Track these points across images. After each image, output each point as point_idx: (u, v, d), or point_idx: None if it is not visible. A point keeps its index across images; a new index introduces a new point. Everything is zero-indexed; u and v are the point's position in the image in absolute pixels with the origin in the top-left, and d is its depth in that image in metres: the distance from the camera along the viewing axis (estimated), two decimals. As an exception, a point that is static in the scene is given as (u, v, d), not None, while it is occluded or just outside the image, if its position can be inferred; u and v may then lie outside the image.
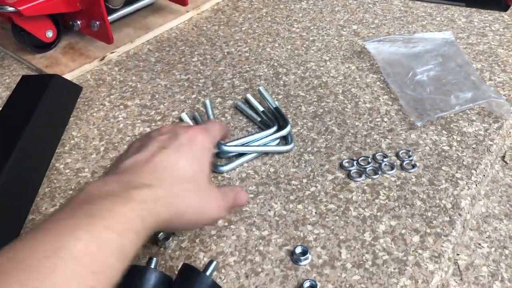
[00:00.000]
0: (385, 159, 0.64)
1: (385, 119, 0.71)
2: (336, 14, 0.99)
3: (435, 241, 0.54)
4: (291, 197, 0.60)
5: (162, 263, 0.53)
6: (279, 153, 0.67)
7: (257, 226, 0.57)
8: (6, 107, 0.65)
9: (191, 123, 0.70)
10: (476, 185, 0.62)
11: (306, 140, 0.68)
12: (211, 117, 0.68)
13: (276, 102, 0.73)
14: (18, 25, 0.80)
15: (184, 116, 0.71)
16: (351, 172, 0.63)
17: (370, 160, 0.64)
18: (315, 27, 0.95)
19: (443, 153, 0.65)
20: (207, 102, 0.71)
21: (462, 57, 0.80)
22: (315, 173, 0.63)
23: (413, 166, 0.63)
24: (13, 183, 0.56)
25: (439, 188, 0.60)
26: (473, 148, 0.66)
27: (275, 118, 0.70)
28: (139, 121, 0.73)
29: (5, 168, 0.56)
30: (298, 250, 0.53)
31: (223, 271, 0.52)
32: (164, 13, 0.97)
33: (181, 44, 0.91)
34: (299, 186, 0.62)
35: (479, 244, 0.59)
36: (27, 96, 0.65)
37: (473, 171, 0.63)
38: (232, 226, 0.57)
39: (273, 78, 0.81)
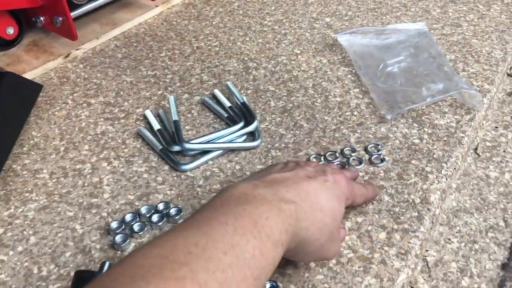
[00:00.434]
0: (353, 154, 0.62)
1: (355, 113, 0.70)
2: (309, 6, 0.96)
3: (402, 238, 0.52)
4: (256, 195, 0.58)
5: (119, 266, 0.51)
6: (245, 149, 0.65)
7: (219, 226, 0.55)
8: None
9: (155, 120, 0.67)
10: (447, 179, 0.60)
11: (274, 136, 0.66)
12: (175, 115, 0.66)
13: (244, 97, 0.71)
14: (-24, 22, 0.77)
15: (148, 113, 0.69)
16: (319, 167, 0.61)
17: (337, 155, 0.62)
18: (288, 20, 0.93)
19: (413, 146, 0.64)
20: (171, 98, 0.69)
21: (435, 48, 0.78)
22: (282, 169, 0.61)
23: (382, 160, 0.61)
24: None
25: (408, 182, 0.59)
26: (444, 140, 0.64)
27: (242, 114, 0.68)
28: (102, 119, 0.71)
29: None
30: (260, 250, 0.51)
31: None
32: (133, 8, 0.95)
33: (149, 40, 0.89)
34: (264, 184, 0.59)
35: (449, 239, 0.57)
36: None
37: (444, 164, 0.61)
38: (194, 227, 0.55)
39: (243, 73, 0.79)
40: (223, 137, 0.65)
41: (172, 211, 0.55)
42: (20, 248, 0.54)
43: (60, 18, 0.79)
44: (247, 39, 0.88)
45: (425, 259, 0.55)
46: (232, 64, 0.81)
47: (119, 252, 0.52)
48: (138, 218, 0.55)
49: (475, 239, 0.57)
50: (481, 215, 0.60)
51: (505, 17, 0.89)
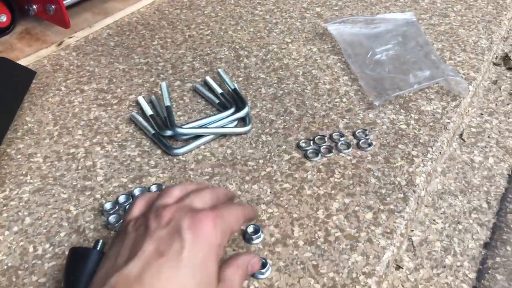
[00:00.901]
0: (341, 138, 0.64)
1: (344, 100, 0.71)
2: (300, -4, 0.98)
3: (388, 218, 0.54)
4: (247, 178, 0.59)
5: (112, 246, 0.52)
6: (236, 134, 0.66)
7: (210, 207, 0.56)
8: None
9: (148, 106, 0.69)
10: (432, 162, 0.62)
11: (265, 122, 0.68)
12: (167, 100, 0.67)
13: (235, 84, 0.72)
14: (-31, 9, 0.77)
15: (141, 99, 0.70)
16: (308, 152, 0.62)
17: (326, 140, 0.64)
18: (279, 9, 0.94)
19: (400, 131, 0.65)
20: (163, 84, 0.70)
21: (423, 37, 0.80)
22: (272, 153, 0.63)
23: (369, 144, 0.63)
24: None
25: (394, 165, 0.60)
26: (430, 126, 0.66)
27: (233, 100, 0.70)
28: (95, 105, 0.72)
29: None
30: (250, 229, 0.52)
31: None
32: (126, -3, 0.96)
33: (141, 28, 0.90)
34: (255, 167, 0.61)
35: (434, 220, 0.59)
36: (-27, 80, 0.64)
37: (429, 149, 0.63)
38: (186, 208, 0.56)
39: (234, 61, 0.80)
40: (215, 122, 0.66)
41: (165, 192, 0.56)
42: (15, 228, 0.55)
43: (53, 6, 0.80)
44: (239, 28, 0.89)
45: (410, 238, 0.57)
46: (224, 52, 0.82)
47: (112, 232, 0.53)
48: (131, 200, 0.56)
49: (459, 220, 0.59)
50: (465, 197, 0.62)
51: (491, 8, 0.91)
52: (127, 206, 0.55)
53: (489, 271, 0.54)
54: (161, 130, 0.64)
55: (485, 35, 0.84)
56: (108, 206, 0.55)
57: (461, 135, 0.71)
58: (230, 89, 0.71)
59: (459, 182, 0.64)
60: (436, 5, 0.93)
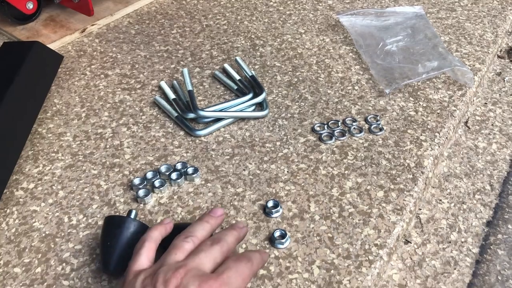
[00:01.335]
0: (354, 123, 0.68)
1: (356, 88, 0.75)
2: (312, -11, 1.01)
3: (398, 196, 0.58)
4: (265, 158, 0.63)
5: (142, 217, 0.56)
6: (254, 118, 0.70)
7: (232, 184, 0.60)
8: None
9: (170, 91, 0.72)
10: (439, 147, 0.66)
11: (281, 107, 0.72)
12: (189, 85, 0.71)
13: (253, 71, 0.76)
14: (-2, -4, 0.81)
15: (163, 84, 0.74)
16: (322, 135, 0.66)
17: (339, 124, 0.68)
18: (292, 1, 0.97)
19: (409, 117, 0.69)
20: (185, 70, 0.74)
21: (431, 30, 0.83)
22: (288, 136, 0.67)
23: (380, 129, 0.67)
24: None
25: (404, 149, 0.64)
26: (438, 113, 0.70)
27: (251, 86, 0.73)
28: (119, 89, 0.76)
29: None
30: (270, 204, 0.56)
31: (199, 223, 0.55)
32: (144, -13, 0.99)
33: (160, 17, 0.93)
34: (272, 149, 0.65)
35: (440, 200, 0.63)
36: (9, 62, 0.67)
37: (437, 134, 0.66)
38: (209, 184, 0.60)
39: (250, 50, 0.84)
40: (233, 106, 0.70)
41: (189, 170, 0.60)
42: (50, 201, 0.59)
43: (78, -6, 0.83)
44: (254, 18, 0.93)
45: (418, 216, 0.61)
46: (240, 41, 0.86)
47: (141, 205, 0.57)
48: (158, 176, 0.60)
49: (464, 200, 0.63)
50: (470, 180, 0.66)
51: (497, 3, 0.94)
52: (154, 182, 0.59)
53: (491, 247, 0.58)
54: (184, 113, 0.68)
55: (490, 29, 0.87)
56: (137, 181, 0.59)
57: (466, 122, 0.75)
58: (248, 76, 0.75)
59: (464, 166, 0.68)
60: (444, -1, 0.96)
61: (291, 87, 0.75)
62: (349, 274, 0.50)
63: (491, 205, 0.62)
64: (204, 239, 0.46)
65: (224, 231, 0.47)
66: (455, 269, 0.55)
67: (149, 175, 0.60)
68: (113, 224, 0.50)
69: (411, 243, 0.58)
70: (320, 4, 0.96)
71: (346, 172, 0.61)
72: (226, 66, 0.78)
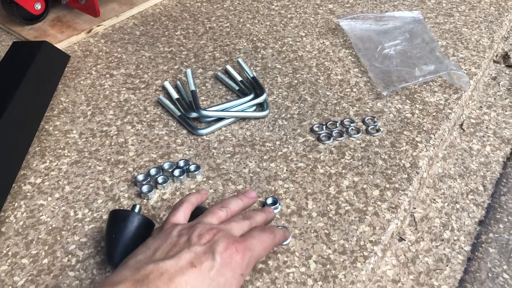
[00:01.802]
0: (352, 124, 0.70)
1: (354, 90, 0.77)
2: (313, -7, 1.03)
3: (393, 195, 0.60)
4: (265, 157, 0.65)
5: (145, 212, 0.58)
6: (255, 118, 0.72)
7: (233, 181, 0.62)
8: (-2, 71, 0.70)
9: (173, 91, 0.74)
10: (434, 148, 0.68)
11: (281, 108, 0.74)
12: (192, 85, 0.73)
13: (254, 73, 0.78)
14: (7, -4, 0.83)
15: (167, 84, 0.76)
16: (321, 135, 0.68)
17: (338, 125, 0.70)
18: (293, 5, 1.00)
19: (405, 119, 0.71)
20: (189, 71, 0.76)
21: (428, 34, 0.85)
22: (288, 136, 0.69)
23: (377, 130, 0.69)
24: (5, 142, 0.60)
25: (399, 149, 0.66)
26: (433, 115, 0.72)
27: (252, 87, 0.75)
28: (124, 88, 0.78)
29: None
30: (269, 200, 0.58)
31: (200, 219, 0.57)
32: (149, -11, 1.01)
33: (165, 19, 0.96)
34: (272, 148, 0.67)
35: (434, 199, 0.65)
36: (18, 61, 0.69)
37: (432, 136, 0.68)
38: (210, 181, 0.62)
39: (252, 52, 0.86)
40: (235, 106, 0.72)
41: (192, 167, 0.63)
42: (57, 195, 0.61)
43: (84, -4, 0.86)
44: (256, 21, 0.95)
45: (413, 215, 0.63)
46: (242, 43, 0.88)
47: (145, 200, 0.59)
48: (161, 172, 0.62)
49: (457, 200, 0.65)
50: (463, 181, 0.68)
51: (493, 9, 0.96)
52: (158, 178, 0.61)
53: (482, 245, 0.60)
54: (187, 112, 0.70)
55: (486, 34, 0.89)
56: (140, 177, 0.61)
57: (461, 125, 0.77)
58: (249, 77, 0.77)
59: (458, 167, 0.70)
60: (442, 5, 0.98)
61: (291, 89, 0.77)
62: (345, 269, 0.52)
63: (484, 205, 0.64)
64: (236, 213, 0.52)
65: (255, 211, 0.53)
66: (447, 266, 0.57)
67: (153, 171, 0.62)
68: (118, 217, 0.52)
69: (405, 240, 0.60)
70: (321, 8, 0.98)
71: (343, 171, 0.63)
72: (228, 67, 0.80)
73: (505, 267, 0.57)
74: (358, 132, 0.68)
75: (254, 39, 0.89)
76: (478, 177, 0.68)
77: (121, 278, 0.41)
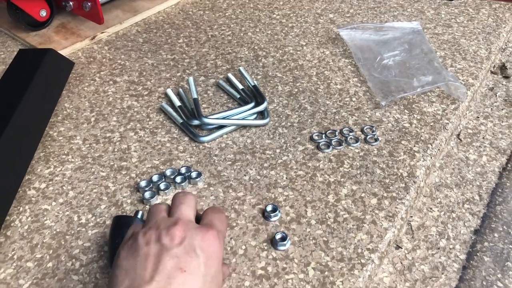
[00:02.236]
0: (350, 133, 0.71)
1: (354, 99, 0.78)
2: (314, 3, 1.05)
3: (391, 204, 0.61)
4: (265, 165, 0.67)
5: (147, 218, 0.59)
6: (256, 126, 0.73)
7: (233, 188, 0.63)
8: (5, 77, 0.71)
9: (176, 98, 0.76)
10: (431, 158, 0.69)
11: (281, 116, 0.75)
12: (194, 93, 0.74)
13: (255, 81, 0.80)
14: (13, 3, 0.85)
15: (169, 91, 0.77)
16: (320, 144, 0.69)
17: (337, 134, 0.71)
18: (294, 14, 1.01)
19: (403, 129, 0.72)
20: (191, 79, 0.77)
21: (427, 45, 0.87)
22: (288, 144, 0.70)
23: (376, 140, 0.70)
24: (11, 148, 0.62)
25: (397, 159, 0.67)
26: (431, 125, 0.73)
27: (253, 95, 0.77)
28: (127, 95, 0.79)
29: (4, 134, 0.61)
30: (269, 208, 0.60)
31: (201, 225, 0.58)
32: (152, -3, 1.03)
33: (167, 27, 0.97)
34: (272, 155, 0.68)
35: (431, 208, 0.66)
36: (24, 68, 0.71)
37: (429, 145, 0.70)
38: (211, 188, 0.63)
39: (253, 60, 0.87)
40: (236, 114, 0.74)
41: (193, 174, 0.64)
42: (61, 200, 0.62)
43: (89, 3, 0.87)
44: (257, 30, 0.96)
45: (409, 223, 0.64)
46: (244, 52, 0.90)
47: (147, 206, 0.61)
48: (163, 179, 0.63)
49: (453, 209, 0.66)
50: (460, 190, 0.69)
51: (491, 21, 0.98)
52: (160, 185, 0.62)
53: (477, 254, 0.61)
54: (189, 120, 0.72)
55: (484, 46, 0.91)
56: (143, 183, 0.63)
57: (458, 135, 0.78)
58: (250, 86, 0.78)
59: (454, 177, 0.71)
60: (441, 16, 1.00)
61: (292, 97, 0.79)
62: (342, 276, 0.53)
63: (479, 214, 0.66)
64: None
65: (177, 194, 0.50)
66: (443, 273, 0.58)
67: (155, 178, 0.64)
68: (121, 223, 0.53)
69: (401, 248, 0.61)
70: (322, 18, 1.00)
71: (342, 179, 0.64)
72: (230, 75, 0.81)
73: (499, 275, 0.58)
74: (357, 141, 0.70)
75: (256, 47, 0.91)
76: (474, 187, 0.69)
77: None
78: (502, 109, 0.83)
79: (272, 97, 0.79)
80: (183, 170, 0.65)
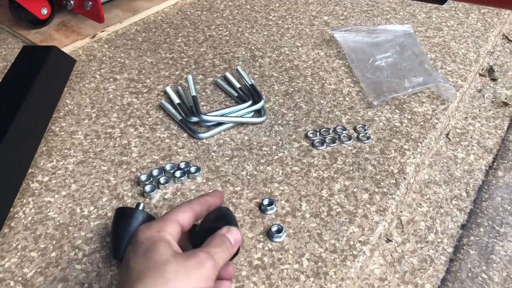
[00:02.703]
0: (344, 132, 0.74)
1: (347, 99, 0.81)
2: (309, 5, 1.08)
3: (382, 198, 0.64)
4: (262, 161, 0.69)
5: (148, 210, 0.61)
6: (253, 124, 0.75)
7: (231, 183, 0.66)
8: (9, 73, 0.72)
9: (175, 96, 0.78)
10: (421, 156, 0.72)
11: (277, 114, 0.77)
12: (193, 91, 0.77)
13: (252, 80, 0.82)
14: (15, 1, 0.86)
15: (169, 89, 0.80)
16: (315, 141, 0.72)
17: (331, 132, 0.74)
18: (290, 16, 1.04)
19: (394, 128, 0.75)
20: (190, 77, 0.79)
21: (418, 48, 0.90)
22: (284, 141, 0.72)
23: (368, 138, 0.73)
24: (15, 143, 0.64)
25: (388, 156, 0.70)
26: (421, 125, 0.76)
27: (250, 94, 0.79)
28: (127, 92, 0.81)
29: (9, 130, 0.63)
30: (265, 201, 0.62)
31: (200, 217, 0.61)
32: (151, -3, 1.05)
33: (166, 26, 0.99)
34: (269, 152, 0.70)
35: (420, 204, 0.69)
36: (29, 64, 0.73)
37: (419, 144, 0.73)
38: (210, 183, 0.65)
39: (250, 60, 0.90)
40: (234, 112, 0.76)
41: (192, 169, 0.66)
42: (63, 193, 0.64)
43: (90, 2, 0.89)
44: (254, 31, 0.99)
45: (399, 218, 0.67)
46: (241, 52, 0.92)
47: (147, 199, 0.63)
48: (163, 173, 0.66)
49: (442, 205, 0.69)
50: (448, 187, 0.72)
51: (480, 25, 1.01)
52: (160, 179, 0.64)
53: (464, 247, 0.64)
54: (188, 117, 0.74)
55: (473, 49, 0.94)
56: (143, 177, 0.65)
57: (447, 134, 0.81)
58: (248, 84, 0.81)
59: (443, 174, 0.74)
60: (432, 19, 1.03)
61: (287, 96, 0.81)
62: (335, 266, 0.55)
63: (466, 210, 0.69)
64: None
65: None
66: (431, 266, 0.61)
67: (155, 172, 0.66)
68: (124, 214, 0.55)
69: (392, 241, 0.64)
70: (316, 20, 1.02)
71: (335, 175, 0.67)
72: (228, 74, 0.84)
73: (484, 267, 0.61)
74: (349, 139, 0.72)
75: (252, 48, 0.93)
76: (461, 184, 0.72)
77: None
78: (489, 110, 0.86)
79: (269, 96, 0.81)
80: (182, 165, 0.67)
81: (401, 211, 0.68)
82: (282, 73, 0.87)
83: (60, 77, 0.77)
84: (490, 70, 0.95)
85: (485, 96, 0.90)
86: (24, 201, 0.63)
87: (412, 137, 0.74)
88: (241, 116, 0.75)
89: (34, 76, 0.70)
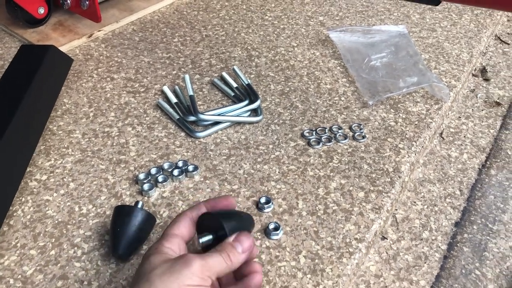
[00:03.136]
0: (339, 131, 0.75)
1: (342, 98, 0.82)
2: (305, 6, 1.09)
3: (377, 197, 0.65)
4: (259, 159, 0.70)
5: (146, 208, 0.62)
6: (249, 123, 0.76)
7: (228, 181, 0.66)
8: (8, 72, 0.73)
9: (172, 95, 0.78)
10: (415, 154, 0.73)
11: (274, 114, 0.78)
12: (190, 90, 0.77)
13: (248, 80, 0.83)
14: (12, 0, 0.86)
15: (166, 88, 0.80)
16: (311, 140, 0.73)
17: (326, 131, 0.75)
18: (286, 16, 1.05)
19: (389, 127, 0.76)
20: (187, 76, 0.80)
21: (412, 48, 0.91)
22: (280, 140, 0.73)
23: (363, 137, 0.74)
24: (14, 142, 0.64)
25: (383, 155, 0.71)
26: (415, 124, 0.77)
27: (247, 94, 0.80)
28: (124, 92, 0.82)
29: (7, 128, 0.63)
30: (263, 200, 0.63)
31: (198, 216, 0.61)
32: (147, -3, 1.05)
33: (163, 26, 1.00)
34: (265, 151, 0.71)
35: (415, 202, 0.70)
36: (27, 63, 0.73)
37: (414, 143, 0.74)
38: (207, 181, 0.66)
39: (246, 60, 0.90)
40: (230, 111, 0.77)
41: (190, 167, 0.67)
42: (62, 191, 0.64)
43: (87, 2, 0.89)
44: (250, 31, 0.99)
45: (395, 216, 0.68)
46: (237, 52, 0.93)
47: (146, 198, 0.63)
48: (161, 172, 0.66)
49: (436, 203, 0.70)
50: (442, 185, 0.73)
51: (473, 26, 1.03)
52: (158, 177, 0.65)
53: (457, 244, 0.65)
54: (185, 116, 0.74)
55: (466, 49, 0.95)
56: (142, 176, 0.65)
57: (441, 133, 0.82)
58: (244, 84, 0.81)
59: (437, 173, 0.75)
60: (426, 20, 1.04)
61: (284, 96, 0.82)
62: (331, 263, 0.56)
63: (460, 208, 0.70)
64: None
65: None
66: (425, 263, 0.62)
67: (153, 171, 0.66)
68: (123, 212, 0.56)
69: (387, 239, 0.65)
70: (312, 20, 1.03)
71: (331, 174, 0.68)
72: (224, 74, 0.84)
73: (477, 264, 0.62)
74: (345, 138, 0.73)
75: (249, 47, 0.94)
76: (455, 182, 0.73)
77: None
78: (482, 110, 0.87)
79: (265, 95, 0.82)
80: (180, 163, 0.68)
81: (396, 209, 0.69)
82: (278, 73, 0.87)
83: (58, 76, 0.77)
84: (483, 71, 0.97)
85: (478, 96, 0.91)
86: (23, 199, 0.63)
87: (406, 136, 0.75)
88: (238, 116, 0.76)
89: (32, 75, 0.70)
